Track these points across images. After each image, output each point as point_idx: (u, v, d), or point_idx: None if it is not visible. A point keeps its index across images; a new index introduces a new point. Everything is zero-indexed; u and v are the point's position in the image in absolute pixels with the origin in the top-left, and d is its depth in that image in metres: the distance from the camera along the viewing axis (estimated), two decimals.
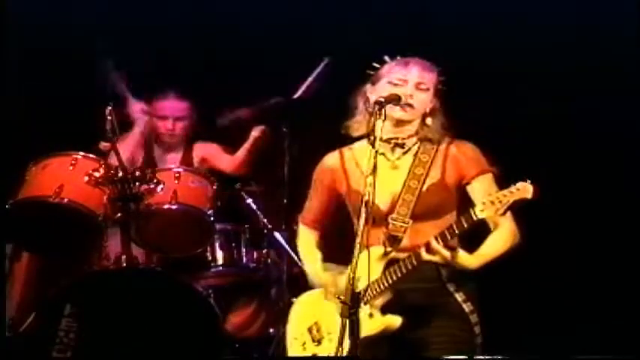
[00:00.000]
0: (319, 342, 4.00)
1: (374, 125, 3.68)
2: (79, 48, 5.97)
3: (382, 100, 3.75)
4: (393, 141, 3.96)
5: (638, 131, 5.42)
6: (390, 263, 3.84)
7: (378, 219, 3.81)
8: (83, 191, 4.94)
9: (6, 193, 4.98)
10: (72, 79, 6.01)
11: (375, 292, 3.82)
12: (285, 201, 5.70)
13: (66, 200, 4.92)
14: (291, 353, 4.10)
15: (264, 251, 5.78)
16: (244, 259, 5.74)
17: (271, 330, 5.75)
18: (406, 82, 3.90)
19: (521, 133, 5.52)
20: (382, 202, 3.90)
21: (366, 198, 3.58)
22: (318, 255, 4.15)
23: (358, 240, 3.56)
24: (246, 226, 5.80)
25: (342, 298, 3.57)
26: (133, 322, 4.75)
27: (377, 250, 3.84)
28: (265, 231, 5.77)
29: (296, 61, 5.98)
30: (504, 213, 3.65)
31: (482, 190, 3.84)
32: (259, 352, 5.77)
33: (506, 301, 5.36)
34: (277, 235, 5.70)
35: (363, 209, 3.58)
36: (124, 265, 4.90)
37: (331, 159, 4.12)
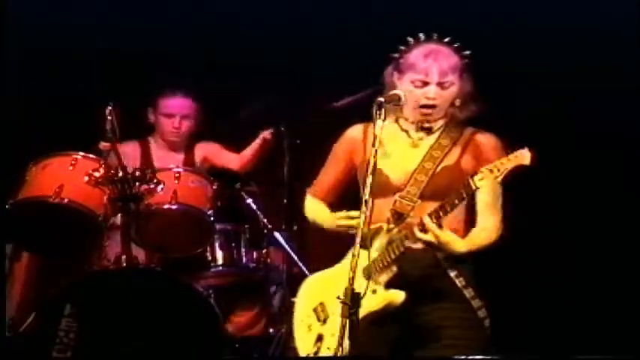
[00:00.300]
0: (324, 321, 3.99)
1: (374, 125, 3.68)
2: (79, 48, 5.98)
3: (382, 100, 3.75)
4: (419, 124, 3.98)
5: (638, 131, 5.42)
6: (393, 240, 3.86)
7: (386, 191, 3.88)
8: (83, 191, 4.94)
9: (6, 193, 4.98)
10: (72, 79, 6.02)
11: (377, 269, 3.84)
12: (285, 201, 5.71)
13: (66, 200, 4.92)
14: (297, 336, 4.08)
15: (264, 251, 5.78)
16: (244, 259, 5.74)
17: (271, 330, 5.76)
18: (428, 84, 3.90)
19: (521, 133, 5.51)
20: (394, 177, 3.93)
21: (365, 197, 3.59)
22: (326, 208, 4.14)
23: (362, 218, 3.56)
24: (246, 226, 5.80)
25: (342, 298, 3.57)
26: (133, 322, 4.75)
27: (379, 228, 3.86)
28: (265, 231, 5.77)
29: (296, 61, 5.98)
30: (503, 180, 3.66)
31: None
32: (259, 352, 5.77)
33: (506, 300, 5.36)
34: (277, 235, 5.71)
35: (364, 208, 3.58)
36: (124, 265, 4.90)
37: (354, 131, 4.11)
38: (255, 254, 5.77)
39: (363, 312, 3.71)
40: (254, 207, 5.81)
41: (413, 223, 3.82)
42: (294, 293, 4.27)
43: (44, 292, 5.09)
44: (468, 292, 3.90)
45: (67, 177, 4.96)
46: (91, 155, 5.05)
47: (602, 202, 5.57)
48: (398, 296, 3.84)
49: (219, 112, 6.01)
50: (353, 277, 3.54)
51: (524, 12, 5.49)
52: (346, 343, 3.54)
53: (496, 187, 3.88)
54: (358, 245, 3.55)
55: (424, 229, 3.75)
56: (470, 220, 3.94)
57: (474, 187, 3.68)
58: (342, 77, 5.79)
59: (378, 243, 3.86)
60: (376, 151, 3.63)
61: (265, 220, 5.77)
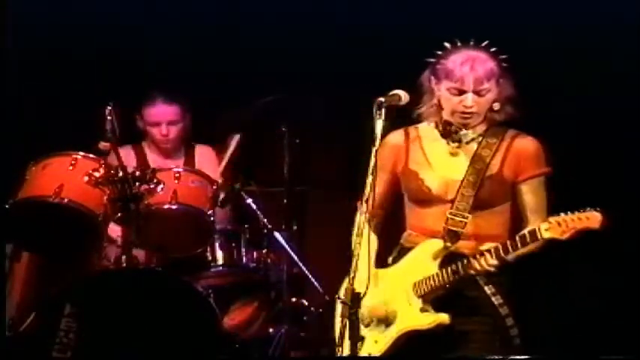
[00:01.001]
0: (367, 325, 3.92)
1: (375, 125, 3.68)
2: (79, 48, 5.98)
3: (382, 100, 3.74)
4: (454, 131, 3.97)
5: (638, 131, 5.42)
6: (448, 257, 3.87)
7: (429, 202, 3.92)
8: (83, 191, 4.94)
9: (6, 193, 4.98)
10: (72, 79, 6.02)
11: (429, 288, 3.85)
12: (285, 201, 5.71)
13: (66, 200, 4.91)
14: (338, 332, 4.00)
15: (264, 251, 5.77)
16: (244, 259, 5.72)
17: (271, 330, 5.75)
18: (465, 92, 3.89)
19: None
20: (436, 187, 3.93)
21: (365, 198, 3.59)
22: (374, 245, 4.02)
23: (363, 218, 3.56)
24: (246, 226, 5.79)
25: (343, 297, 3.56)
26: (132, 322, 4.76)
27: (436, 244, 3.88)
28: (265, 231, 5.77)
29: (296, 61, 5.97)
30: (570, 237, 3.68)
31: (530, 195, 3.90)
32: (259, 352, 5.77)
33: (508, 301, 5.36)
34: (277, 235, 5.70)
35: (364, 209, 3.58)
36: (124, 265, 4.90)
37: (395, 137, 4.05)
38: (255, 254, 5.76)
39: (408, 327, 3.83)
40: (254, 207, 5.80)
41: (465, 236, 3.85)
42: (294, 293, 4.25)
43: (44, 292, 5.09)
44: (496, 300, 3.91)
45: (67, 177, 4.96)
46: (91, 155, 5.05)
47: (602, 202, 5.55)
48: (446, 318, 3.85)
49: (218, 112, 5.99)
50: (353, 277, 3.54)
51: (524, 12, 5.49)
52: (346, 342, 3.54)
53: (542, 190, 3.90)
54: (358, 246, 3.55)
55: (483, 265, 3.77)
56: (512, 228, 3.94)
57: (539, 237, 3.70)
58: (342, 77, 5.79)
59: (432, 261, 3.87)
60: (377, 151, 3.63)
61: (265, 220, 5.76)
